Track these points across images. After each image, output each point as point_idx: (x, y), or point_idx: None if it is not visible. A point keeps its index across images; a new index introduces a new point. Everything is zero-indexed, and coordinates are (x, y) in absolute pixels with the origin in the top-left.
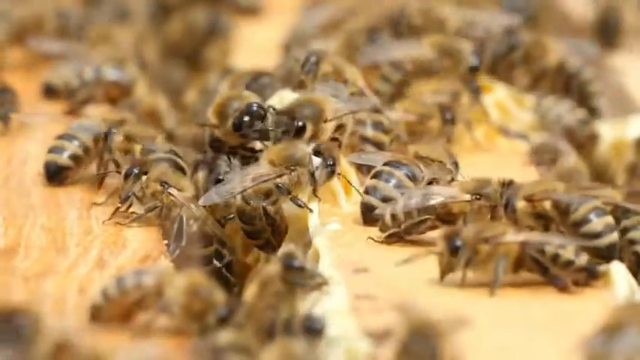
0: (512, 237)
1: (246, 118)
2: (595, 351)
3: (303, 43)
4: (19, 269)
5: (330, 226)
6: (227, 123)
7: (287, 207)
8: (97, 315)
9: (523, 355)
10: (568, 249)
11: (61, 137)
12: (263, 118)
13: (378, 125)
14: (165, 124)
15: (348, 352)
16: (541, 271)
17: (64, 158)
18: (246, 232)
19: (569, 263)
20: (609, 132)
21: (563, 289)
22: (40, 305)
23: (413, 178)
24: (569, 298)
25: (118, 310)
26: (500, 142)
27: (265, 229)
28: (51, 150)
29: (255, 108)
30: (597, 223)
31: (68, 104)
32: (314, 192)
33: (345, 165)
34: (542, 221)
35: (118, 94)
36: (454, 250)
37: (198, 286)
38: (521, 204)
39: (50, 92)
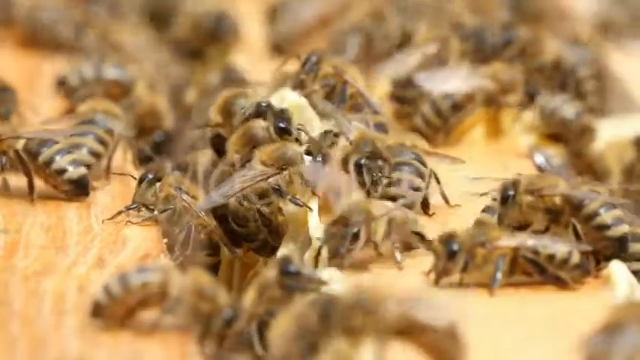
0: (507, 241)
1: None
2: (595, 350)
3: (293, 41)
4: (19, 268)
5: None
6: (233, 120)
7: (286, 206)
8: (100, 313)
9: (523, 353)
10: (561, 249)
11: None
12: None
13: (380, 126)
14: (165, 124)
15: None
16: (538, 271)
17: None
18: (241, 235)
19: (564, 262)
20: (607, 131)
21: (563, 286)
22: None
23: (424, 164)
24: (569, 296)
25: (120, 308)
26: (499, 139)
27: (260, 230)
28: None
29: (264, 105)
30: (608, 216)
31: (68, 103)
32: (314, 192)
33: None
34: (550, 215)
35: (117, 93)
36: (451, 255)
37: (203, 286)
38: (528, 198)
39: (63, 86)
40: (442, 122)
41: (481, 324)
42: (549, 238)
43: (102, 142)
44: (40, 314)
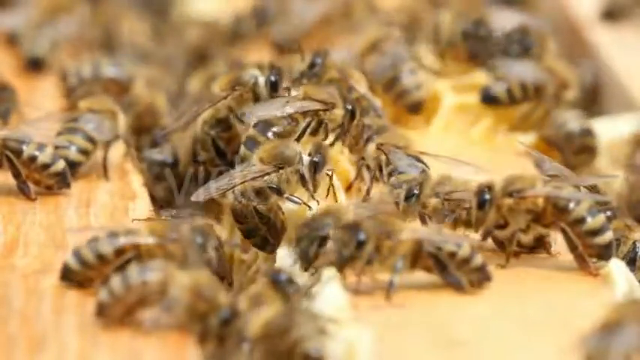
0: (409, 234)
1: (274, 78)
2: (594, 348)
3: (296, 40)
4: (18, 266)
5: None
6: (246, 87)
7: (286, 204)
8: (103, 312)
9: (523, 353)
10: (464, 248)
11: None
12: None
13: (381, 130)
14: (164, 121)
15: (348, 347)
16: (438, 268)
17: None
18: (241, 231)
19: (464, 261)
20: (605, 129)
21: (459, 288)
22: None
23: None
24: (569, 295)
25: (120, 306)
26: (498, 137)
27: (259, 227)
28: None
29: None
30: (596, 221)
31: (67, 101)
32: (311, 194)
33: (345, 164)
34: (532, 216)
35: (116, 91)
36: (359, 245)
37: (203, 286)
38: (508, 201)
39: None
40: (522, 97)
41: (481, 324)
42: (453, 235)
43: (90, 139)
44: (39, 313)
